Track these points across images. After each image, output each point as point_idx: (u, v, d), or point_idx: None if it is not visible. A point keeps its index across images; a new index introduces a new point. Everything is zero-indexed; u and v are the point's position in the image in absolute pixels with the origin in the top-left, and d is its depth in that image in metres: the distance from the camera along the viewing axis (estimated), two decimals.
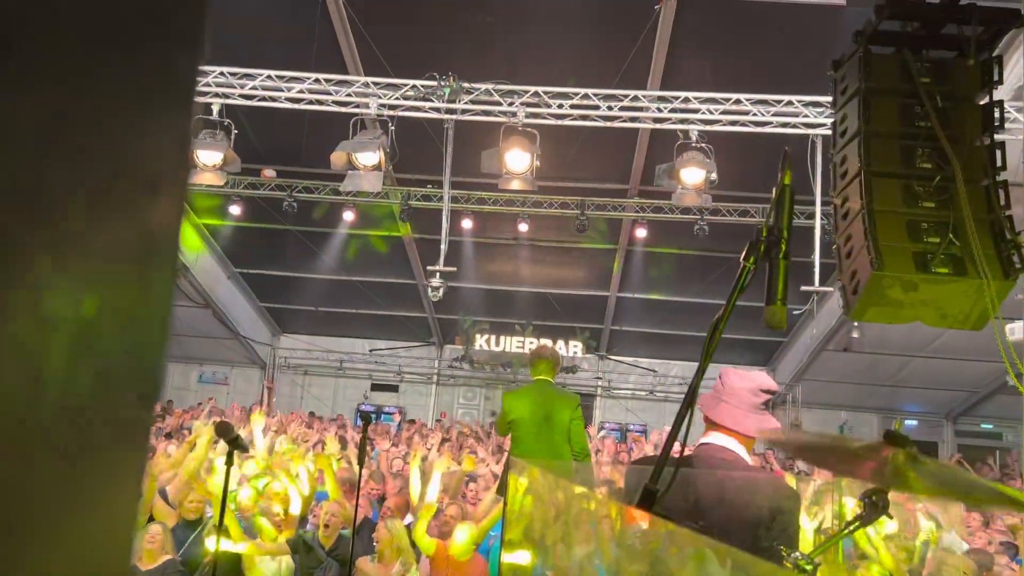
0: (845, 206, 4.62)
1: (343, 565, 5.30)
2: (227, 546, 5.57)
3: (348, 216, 11.80)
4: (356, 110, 8.17)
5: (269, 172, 11.50)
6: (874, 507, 1.86)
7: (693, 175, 7.90)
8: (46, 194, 0.26)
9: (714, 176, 7.93)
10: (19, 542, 0.26)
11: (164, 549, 5.59)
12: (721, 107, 7.91)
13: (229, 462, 2.32)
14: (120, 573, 0.30)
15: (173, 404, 14.56)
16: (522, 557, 1.84)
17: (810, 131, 7.92)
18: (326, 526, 5.60)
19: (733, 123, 7.99)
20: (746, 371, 2.47)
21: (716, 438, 2.31)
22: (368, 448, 5.66)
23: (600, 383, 17.30)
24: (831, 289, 11.51)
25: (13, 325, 0.25)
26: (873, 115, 4.37)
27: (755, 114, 7.88)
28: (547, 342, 5.63)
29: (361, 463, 3.86)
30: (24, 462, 0.26)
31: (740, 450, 2.29)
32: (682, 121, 7.96)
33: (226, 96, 8.18)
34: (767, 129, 7.99)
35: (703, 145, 8.00)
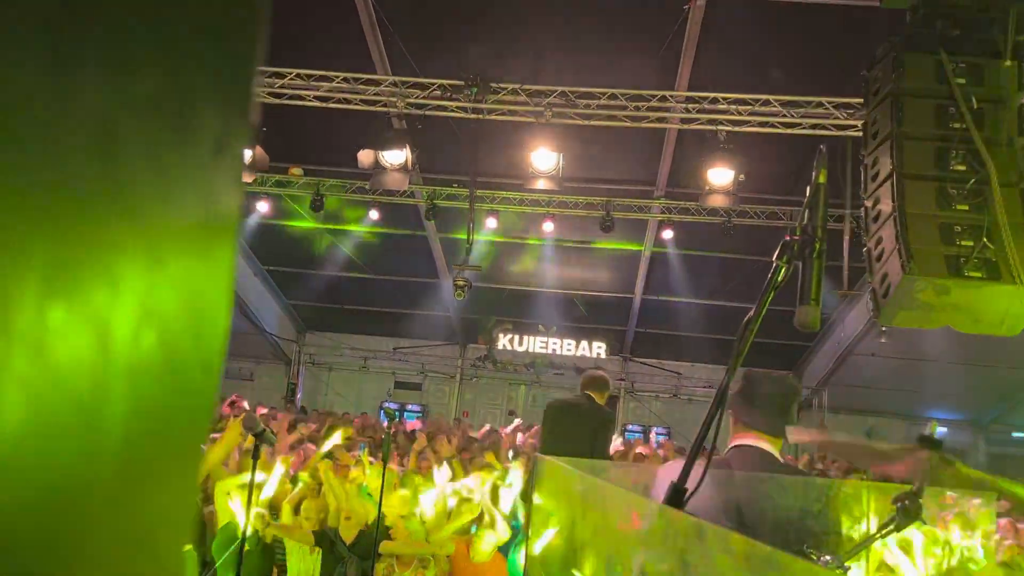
0: (876, 208, 4.56)
1: (364, 560, 5.32)
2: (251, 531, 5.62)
3: (374, 215, 11.86)
4: (383, 109, 8.21)
5: (296, 170, 11.60)
6: (906, 512, 1.84)
7: (721, 176, 7.85)
8: (119, 154, 0.26)
9: (742, 177, 7.86)
10: (92, 504, 0.27)
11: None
12: (750, 108, 7.85)
13: (256, 455, 2.33)
14: (181, 535, 0.31)
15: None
16: (549, 555, 1.83)
17: (840, 133, 7.83)
18: (347, 519, 5.64)
19: (762, 124, 7.92)
20: (773, 373, 2.46)
21: (748, 439, 2.30)
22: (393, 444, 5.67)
23: (624, 385, 17.23)
24: (859, 293, 11.40)
25: (85, 288, 0.25)
26: (906, 116, 4.31)
27: (784, 115, 7.80)
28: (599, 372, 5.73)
29: (385, 460, 3.87)
30: (94, 424, 0.26)
31: (772, 451, 2.28)
32: (710, 122, 7.91)
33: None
34: (796, 131, 7.91)
35: (731, 146, 7.94)
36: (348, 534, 5.62)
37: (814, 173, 1.40)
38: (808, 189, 1.41)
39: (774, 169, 10.09)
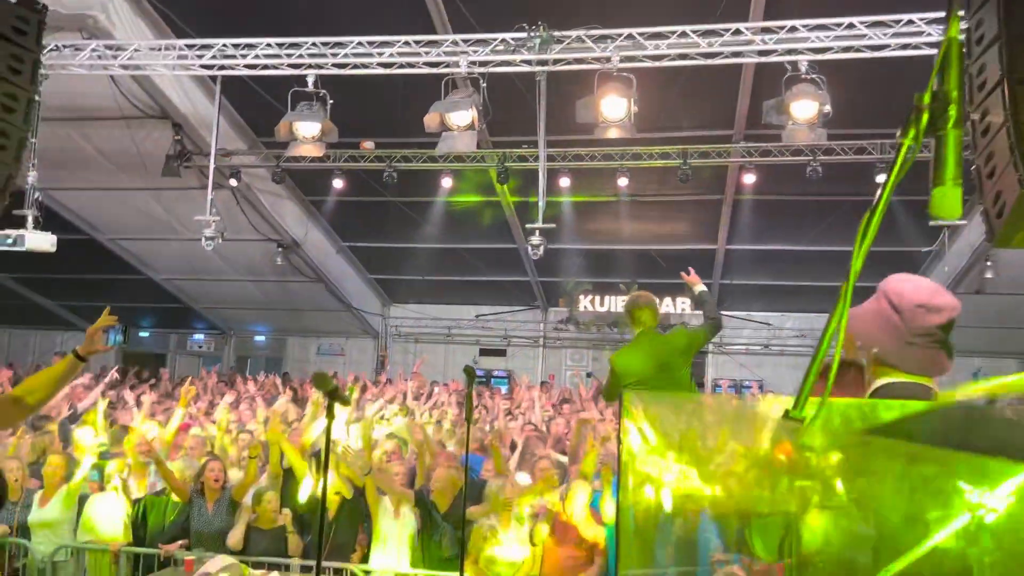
0: (985, 121, 4.14)
1: (457, 529, 5.30)
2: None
3: (447, 183, 11.79)
4: (447, 70, 8.06)
5: (368, 144, 11.63)
6: None
7: (805, 108, 7.38)
8: None
9: (828, 108, 7.38)
10: None
11: (278, 512, 5.78)
12: (832, 33, 7.32)
13: (330, 414, 2.26)
14: None
15: (289, 376, 15.12)
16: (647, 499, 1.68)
17: (934, 51, 7.23)
18: (440, 491, 5.63)
19: (846, 50, 7.39)
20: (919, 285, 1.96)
21: (899, 378, 1.85)
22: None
23: (711, 340, 16.82)
24: (963, 223, 10.69)
25: None
26: (1016, 14, 3.88)
27: (871, 37, 7.26)
28: (639, 293, 5.38)
29: (468, 419, 3.79)
30: None
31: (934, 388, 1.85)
32: (789, 52, 7.43)
33: (319, 67, 8.24)
34: (885, 53, 7.35)
35: (814, 76, 7.45)
36: (442, 502, 5.63)
37: (945, 26, 1.18)
38: (940, 47, 1.19)
39: (861, 100, 9.49)
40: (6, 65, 4.67)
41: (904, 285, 1.90)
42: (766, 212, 13.01)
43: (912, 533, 1.16)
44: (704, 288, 5.18)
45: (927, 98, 1.17)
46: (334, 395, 2.29)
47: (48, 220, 9.51)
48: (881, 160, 10.62)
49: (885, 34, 7.28)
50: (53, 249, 8.86)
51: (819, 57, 7.44)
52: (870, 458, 1.26)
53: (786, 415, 1.27)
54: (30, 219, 8.87)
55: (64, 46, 8.62)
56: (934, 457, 1.24)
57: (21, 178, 8.48)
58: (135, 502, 6.06)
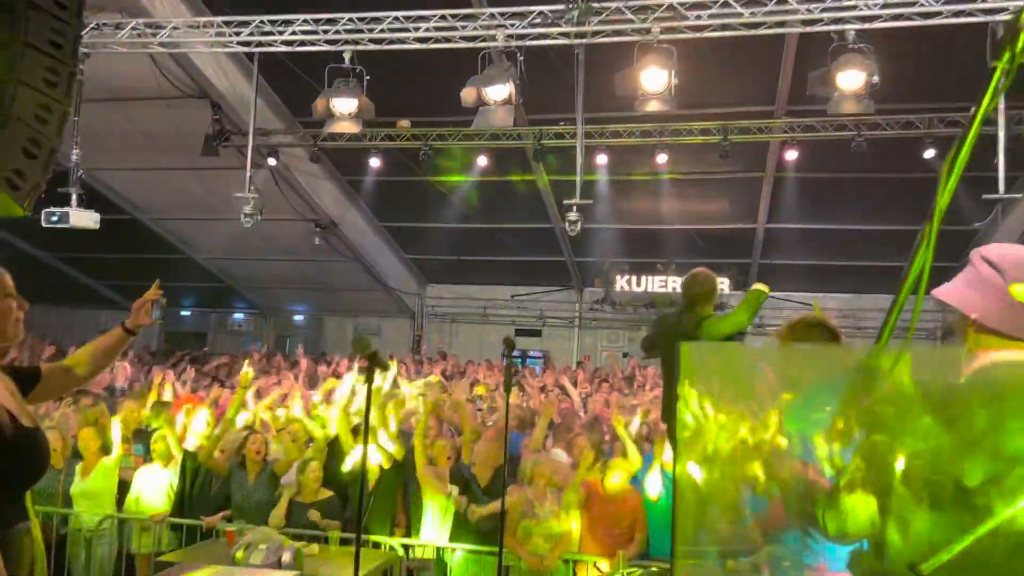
0: None
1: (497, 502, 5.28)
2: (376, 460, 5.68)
3: (482, 161, 11.72)
4: (483, 44, 7.98)
5: (404, 123, 11.61)
6: None
7: (852, 79, 7.15)
8: None
9: (876, 78, 7.15)
10: None
11: (320, 484, 5.81)
12: (881, 0, 7.09)
13: (369, 379, 2.22)
14: None
15: (327, 355, 15.22)
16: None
17: (989, 18, 6.96)
18: (481, 465, 5.61)
19: (896, 18, 7.15)
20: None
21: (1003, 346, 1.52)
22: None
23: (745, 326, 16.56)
24: (1020, 196, 10.32)
25: None
26: None
27: (922, 4, 7.00)
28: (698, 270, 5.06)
29: (507, 388, 3.75)
30: None
31: None
32: (835, 21, 7.21)
33: (356, 43, 8.21)
34: (937, 21, 7.10)
35: (861, 46, 7.22)
36: (483, 476, 5.61)
37: None
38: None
39: (909, 72, 9.19)
40: (47, 39, 4.71)
41: (1004, 247, 1.66)
42: (808, 190, 12.73)
43: (1000, 498, 1.07)
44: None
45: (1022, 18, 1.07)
46: (374, 359, 2.26)
47: (91, 200, 9.67)
48: (929, 135, 10.30)
49: (937, 0, 7.02)
50: (96, 227, 9.00)
51: (867, 26, 7.21)
52: (955, 414, 1.16)
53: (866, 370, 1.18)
54: (74, 197, 9.01)
55: (104, 24, 8.70)
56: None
57: (64, 156, 8.62)
58: (179, 471, 6.13)
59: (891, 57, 7.97)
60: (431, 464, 5.66)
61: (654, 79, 7.35)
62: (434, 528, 5.52)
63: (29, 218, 5.79)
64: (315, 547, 5.22)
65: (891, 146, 10.66)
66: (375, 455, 5.63)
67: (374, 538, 5.55)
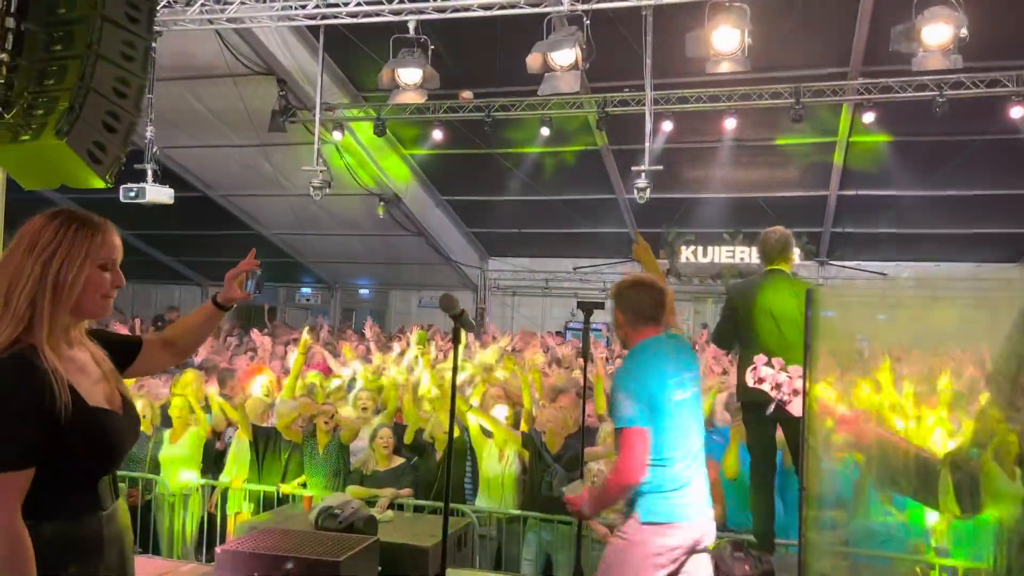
0: None
1: (570, 470, 5.25)
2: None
3: (545, 132, 11.59)
4: (548, 9, 7.84)
5: (467, 94, 11.55)
6: None
7: (938, 33, 6.79)
8: None
9: (964, 32, 6.77)
10: None
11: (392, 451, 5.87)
12: None
13: (456, 339, 2.18)
14: None
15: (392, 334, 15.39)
16: None
17: None
18: (552, 432, 5.59)
19: None
20: None
21: None
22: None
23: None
24: None
25: None
26: None
27: None
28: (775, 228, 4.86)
29: (585, 355, 3.69)
30: None
31: None
32: None
33: (420, 12, 8.16)
34: None
35: None
36: (553, 444, 5.59)
37: None
38: None
39: (994, 27, 8.69)
40: (123, 12, 4.79)
41: None
42: (884, 154, 12.24)
43: None
44: None
45: None
46: (459, 319, 2.23)
47: (163, 176, 9.93)
48: (1017, 93, 9.76)
49: None
50: (171, 202, 9.24)
51: None
52: None
53: None
54: (149, 173, 9.25)
55: (175, 2, 8.85)
56: None
57: (139, 134, 8.84)
58: (253, 441, 6.28)
59: (975, 10, 7.53)
60: (491, 431, 5.64)
61: (727, 39, 7.11)
62: (496, 496, 5.52)
63: (103, 195, 5.97)
64: (390, 513, 5.29)
65: (974, 106, 10.14)
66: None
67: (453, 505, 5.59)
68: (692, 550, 3.24)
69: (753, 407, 4.42)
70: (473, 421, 5.72)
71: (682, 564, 3.21)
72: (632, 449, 3.08)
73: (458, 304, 2.19)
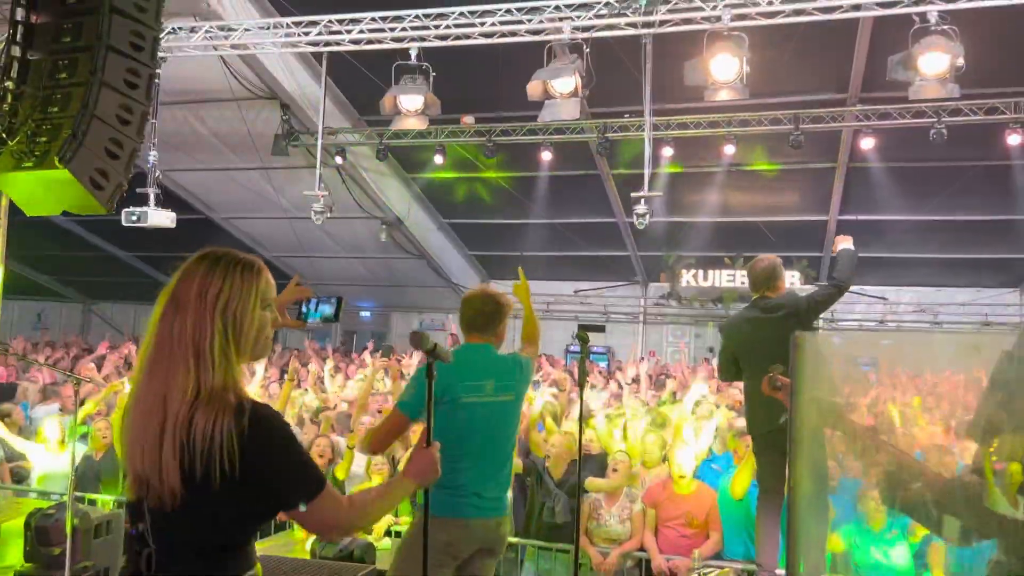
0: None
1: (571, 497, 5.23)
2: None
3: (546, 156, 11.65)
4: (549, 37, 7.92)
5: (468, 119, 11.64)
6: None
7: (935, 62, 6.85)
8: None
9: (961, 61, 6.83)
10: None
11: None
12: None
13: (430, 374, 2.20)
14: None
15: (392, 348, 15.37)
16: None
17: None
18: (556, 459, 5.58)
19: None
20: None
21: None
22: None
23: (823, 315, 16.10)
24: None
25: None
26: None
27: None
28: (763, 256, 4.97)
29: (582, 386, 3.70)
30: None
31: None
32: (916, 3, 6.92)
33: (422, 39, 8.26)
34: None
35: (945, 27, 6.90)
36: (557, 470, 5.57)
37: None
38: None
39: (992, 55, 8.77)
40: (128, 42, 4.85)
41: None
42: (883, 179, 12.28)
43: None
44: (846, 247, 4.81)
45: None
46: (433, 353, 2.24)
47: (166, 200, 9.99)
48: (1015, 120, 9.83)
49: None
50: (172, 225, 9.29)
51: (951, 7, 6.89)
52: None
53: None
54: (152, 197, 9.31)
55: (179, 28, 8.95)
56: None
57: (142, 158, 8.92)
58: None
59: (972, 38, 7.61)
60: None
61: (725, 67, 7.18)
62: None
63: (108, 217, 6.01)
64: (387, 541, 5.26)
65: (972, 132, 10.21)
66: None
67: None
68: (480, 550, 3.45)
69: (762, 439, 4.43)
70: None
71: (467, 561, 3.42)
72: (385, 422, 3.56)
73: (429, 339, 2.20)
